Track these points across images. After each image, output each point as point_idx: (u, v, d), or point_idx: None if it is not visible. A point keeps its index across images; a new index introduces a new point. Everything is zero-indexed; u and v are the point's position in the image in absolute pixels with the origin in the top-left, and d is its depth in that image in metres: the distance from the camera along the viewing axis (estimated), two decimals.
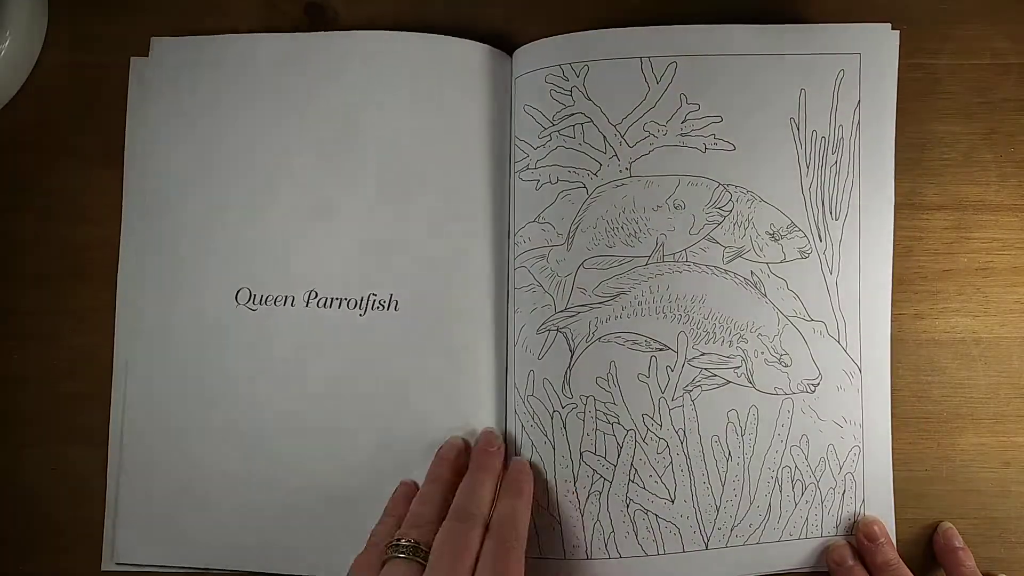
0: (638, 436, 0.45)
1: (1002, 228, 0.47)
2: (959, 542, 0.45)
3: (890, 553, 0.44)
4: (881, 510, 0.46)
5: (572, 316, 0.46)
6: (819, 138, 0.46)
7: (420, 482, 0.45)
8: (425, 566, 0.38)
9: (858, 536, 0.45)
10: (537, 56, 0.47)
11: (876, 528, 0.45)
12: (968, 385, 0.47)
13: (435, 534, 0.39)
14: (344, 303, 0.46)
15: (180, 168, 0.48)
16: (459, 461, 0.44)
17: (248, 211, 0.47)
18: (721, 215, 0.46)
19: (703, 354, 0.45)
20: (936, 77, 0.48)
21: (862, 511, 0.45)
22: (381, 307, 0.46)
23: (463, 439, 0.45)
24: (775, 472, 0.45)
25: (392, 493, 0.45)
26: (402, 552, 0.39)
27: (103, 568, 0.47)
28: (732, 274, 0.46)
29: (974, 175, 0.48)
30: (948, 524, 0.46)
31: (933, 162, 0.48)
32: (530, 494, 0.43)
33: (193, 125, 0.48)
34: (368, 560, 0.40)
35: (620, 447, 0.45)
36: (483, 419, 0.46)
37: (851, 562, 0.44)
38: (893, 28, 0.46)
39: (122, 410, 0.47)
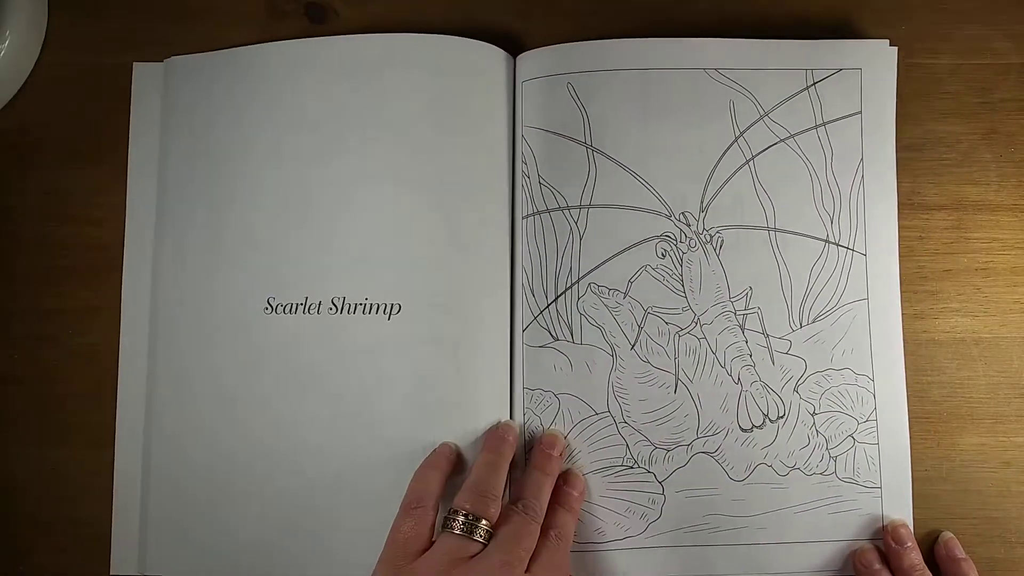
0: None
1: (1002, 228, 0.47)
2: (961, 552, 0.45)
3: (916, 557, 0.44)
4: (902, 512, 0.45)
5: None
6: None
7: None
8: (479, 544, 0.39)
9: (886, 539, 0.44)
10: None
11: (904, 531, 0.44)
12: (968, 385, 0.47)
13: (494, 510, 0.40)
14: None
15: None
16: (514, 445, 0.45)
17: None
18: None
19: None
20: (936, 77, 0.48)
21: (882, 514, 0.45)
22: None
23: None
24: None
25: (433, 450, 0.44)
26: (459, 528, 0.39)
27: (112, 573, 0.46)
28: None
29: (974, 175, 0.48)
30: (950, 534, 0.45)
31: (933, 162, 0.48)
32: (579, 511, 0.44)
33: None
34: (410, 525, 0.40)
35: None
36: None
37: (878, 566, 0.44)
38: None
39: (137, 413, 0.47)
